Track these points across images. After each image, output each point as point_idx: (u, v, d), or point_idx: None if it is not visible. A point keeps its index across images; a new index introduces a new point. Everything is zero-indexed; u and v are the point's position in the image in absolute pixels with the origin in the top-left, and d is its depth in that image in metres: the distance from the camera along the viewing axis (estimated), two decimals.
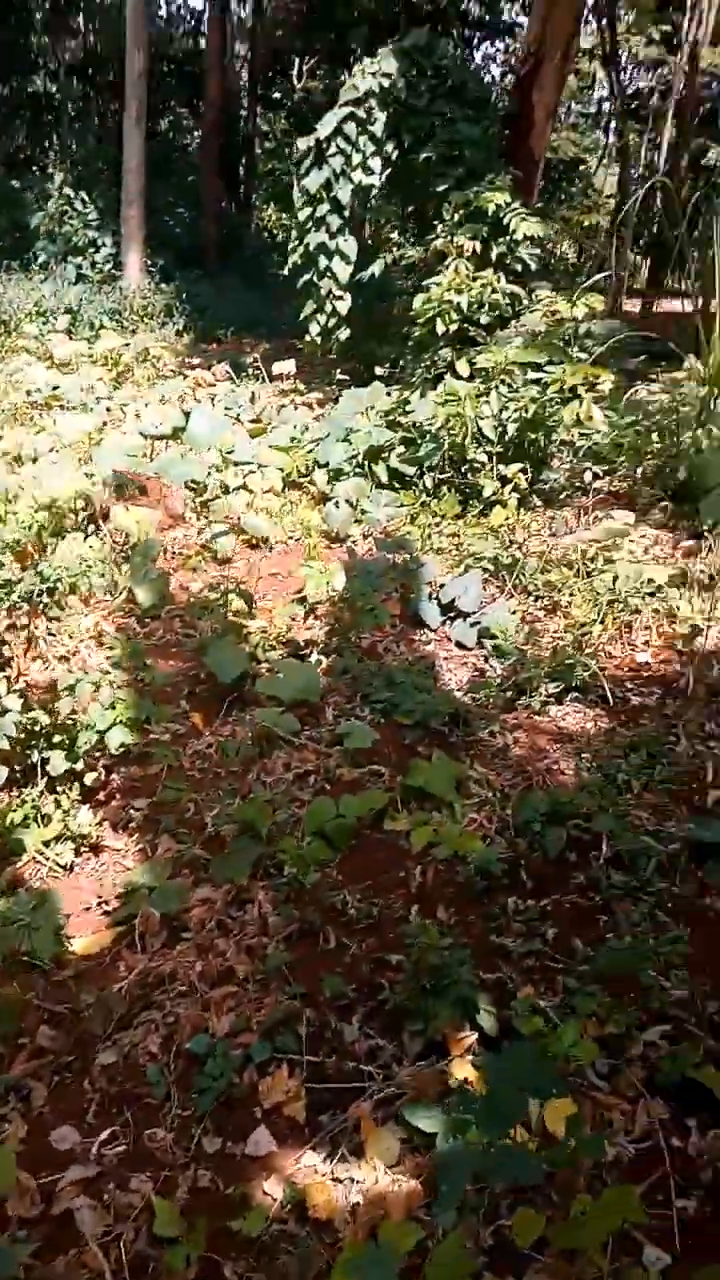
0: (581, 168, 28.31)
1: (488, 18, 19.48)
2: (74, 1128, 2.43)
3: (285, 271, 9.55)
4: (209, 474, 6.78)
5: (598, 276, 9.12)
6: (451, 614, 4.88)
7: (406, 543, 5.53)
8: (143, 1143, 2.38)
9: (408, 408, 6.70)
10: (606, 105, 29.20)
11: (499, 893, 3.07)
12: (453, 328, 6.82)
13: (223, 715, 4.15)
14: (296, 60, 27.32)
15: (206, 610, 4.91)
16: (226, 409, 8.67)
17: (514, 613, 4.77)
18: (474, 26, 18.79)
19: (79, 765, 3.52)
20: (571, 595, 4.82)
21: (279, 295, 16.56)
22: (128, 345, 11.27)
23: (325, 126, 8.93)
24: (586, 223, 13.16)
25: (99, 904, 3.24)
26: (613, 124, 25.48)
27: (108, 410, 8.65)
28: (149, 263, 15.31)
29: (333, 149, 8.96)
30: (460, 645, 4.73)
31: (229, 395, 9.18)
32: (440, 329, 6.76)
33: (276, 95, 26.68)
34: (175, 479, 6.64)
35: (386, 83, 9.14)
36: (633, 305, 18.21)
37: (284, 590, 5.40)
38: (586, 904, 3.02)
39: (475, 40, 18.88)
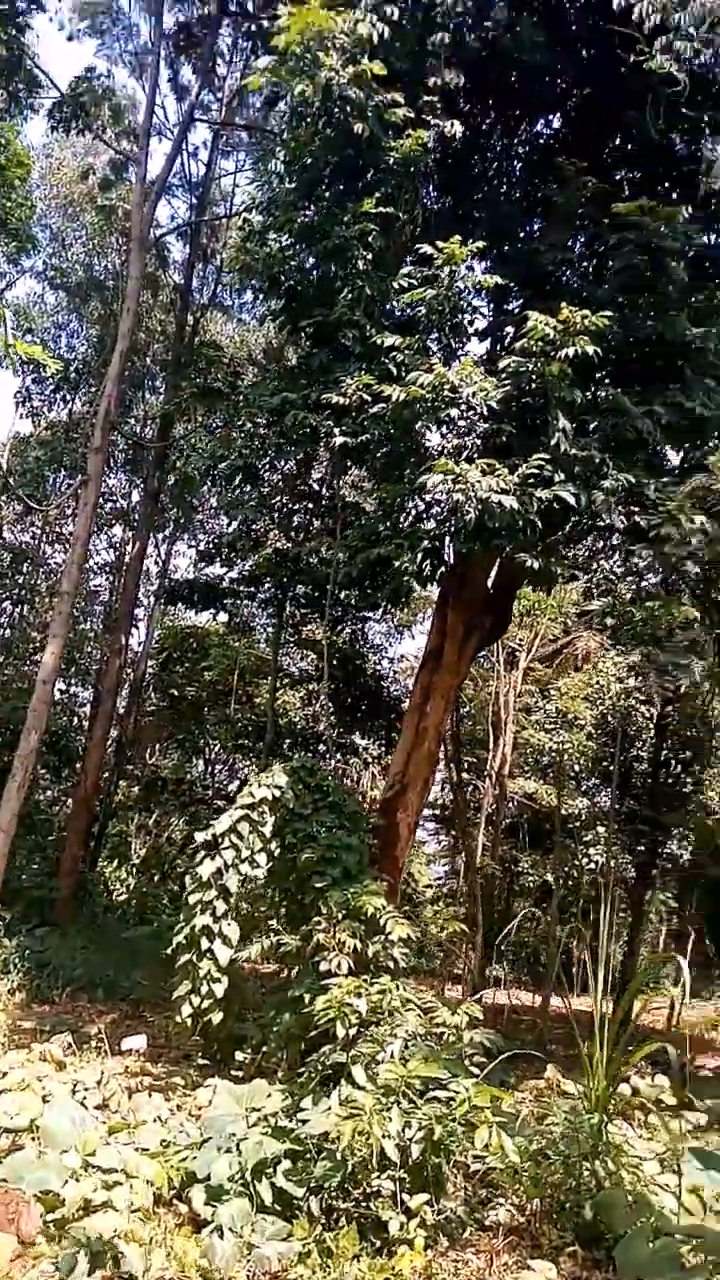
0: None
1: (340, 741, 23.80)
2: None
3: (170, 948, 9.63)
4: (66, 1183, 5.83)
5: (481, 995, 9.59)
6: None
7: None
8: None
9: (300, 1114, 6.27)
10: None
11: None
12: (352, 1032, 6.78)
13: None
14: (155, 745, 32.05)
15: None
16: (73, 1092, 7.85)
17: None
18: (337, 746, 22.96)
19: None
20: None
21: (124, 956, 16.35)
22: None
23: (222, 824, 9.93)
24: (448, 929, 14.33)
25: None
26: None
27: None
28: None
29: (226, 843, 9.84)
30: None
31: (76, 1075, 8.39)
32: (340, 1032, 6.71)
33: (130, 767, 30.52)
34: (30, 1187, 5.65)
35: (278, 793, 10.49)
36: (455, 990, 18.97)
37: None
38: None
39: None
